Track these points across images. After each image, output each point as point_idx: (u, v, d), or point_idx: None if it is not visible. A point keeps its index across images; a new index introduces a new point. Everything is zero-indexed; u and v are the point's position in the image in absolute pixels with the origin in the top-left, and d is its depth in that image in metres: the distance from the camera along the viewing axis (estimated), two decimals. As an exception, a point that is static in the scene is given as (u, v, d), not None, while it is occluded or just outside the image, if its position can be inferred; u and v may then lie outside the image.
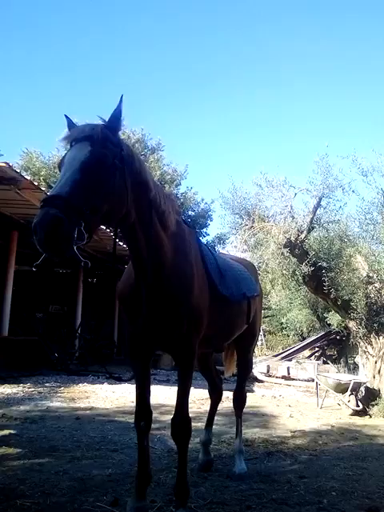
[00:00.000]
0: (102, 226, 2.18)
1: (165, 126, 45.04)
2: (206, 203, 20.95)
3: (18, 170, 7.15)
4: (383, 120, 42.26)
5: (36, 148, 18.05)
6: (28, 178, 7.28)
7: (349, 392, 7.14)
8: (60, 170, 1.92)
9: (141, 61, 48.77)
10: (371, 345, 8.09)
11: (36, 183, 7.50)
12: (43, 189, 7.61)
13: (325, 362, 12.48)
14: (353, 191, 8.01)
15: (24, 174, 7.54)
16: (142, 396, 2.57)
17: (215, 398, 3.83)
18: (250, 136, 53.08)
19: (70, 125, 2.12)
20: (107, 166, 1.89)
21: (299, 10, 44.07)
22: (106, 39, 47.89)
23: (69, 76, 47.13)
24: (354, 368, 10.98)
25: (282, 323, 19.57)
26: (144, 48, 48.74)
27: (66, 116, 2.14)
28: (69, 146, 1.97)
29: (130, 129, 18.61)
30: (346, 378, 7.66)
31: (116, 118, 2.04)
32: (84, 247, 1.81)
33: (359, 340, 8.27)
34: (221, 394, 3.90)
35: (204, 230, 21.04)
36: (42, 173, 16.21)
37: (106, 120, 2.04)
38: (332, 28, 47.50)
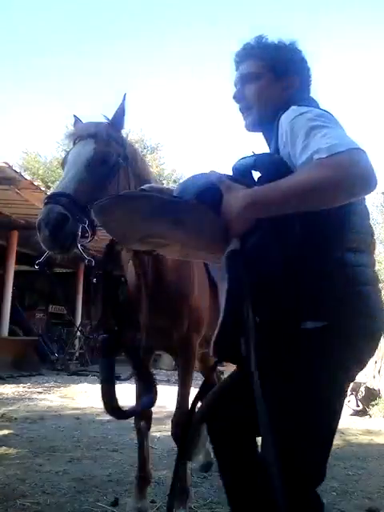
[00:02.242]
0: (101, 226, 2.18)
1: (164, 126, 45.10)
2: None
3: (18, 170, 7.16)
4: (382, 120, 42.35)
5: (33, 147, 18.24)
6: (28, 178, 7.29)
7: (349, 392, 7.15)
8: (63, 168, 1.92)
9: (140, 59, 48.83)
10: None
11: (36, 183, 7.51)
12: (43, 189, 7.62)
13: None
14: (353, 191, 8.02)
15: (23, 174, 7.55)
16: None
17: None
18: (249, 135, 53.08)
19: (77, 123, 2.13)
20: (111, 164, 1.88)
21: (299, 8, 44.14)
22: (106, 38, 47.91)
23: (67, 75, 47.16)
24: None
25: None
26: (144, 46, 48.78)
27: (75, 116, 2.15)
28: (72, 144, 1.97)
29: (129, 129, 18.70)
30: (345, 377, 7.65)
31: (120, 116, 2.04)
32: (88, 246, 1.81)
33: (359, 340, 8.27)
34: (221, 394, 3.90)
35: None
36: (40, 172, 16.27)
37: (110, 118, 2.04)
38: (334, 26, 47.58)
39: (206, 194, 1.14)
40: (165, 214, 1.12)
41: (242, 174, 1.23)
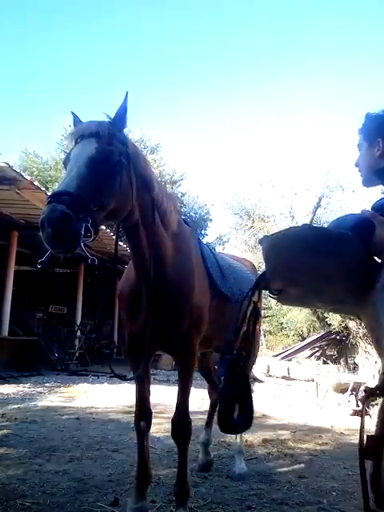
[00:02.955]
0: (101, 226, 2.18)
1: (164, 126, 45.08)
2: (205, 204, 21.02)
3: (18, 170, 7.16)
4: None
5: (32, 147, 18.25)
6: (28, 178, 7.28)
7: (349, 392, 7.15)
8: (65, 167, 1.91)
9: (141, 60, 48.80)
10: (371, 345, 8.09)
11: (36, 183, 7.50)
12: (43, 189, 7.61)
13: (325, 362, 12.47)
14: (353, 191, 8.06)
15: (23, 174, 7.54)
16: (142, 396, 2.57)
17: (215, 398, 3.82)
18: (249, 135, 53.13)
19: (76, 122, 2.12)
20: (113, 163, 1.88)
21: (303, 7, 44.06)
22: (106, 37, 47.89)
23: (67, 75, 47.13)
24: (354, 368, 10.98)
25: (281, 323, 19.55)
26: (144, 46, 48.75)
27: (72, 113, 2.14)
28: (74, 143, 1.96)
29: (129, 129, 18.68)
30: (346, 377, 7.66)
31: (122, 115, 2.04)
32: (91, 245, 1.81)
33: (359, 340, 8.30)
34: (220, 394, 3.89)
35: (203, 231, 21.08)
36: (35, 173, 16.23)
37: (112, 117, 2.03)
38: (334, 24, 47.49)
39: (360, 229, 1.32)
40: (323, 246, 1.29)
41: (377, 211, 1.42)
